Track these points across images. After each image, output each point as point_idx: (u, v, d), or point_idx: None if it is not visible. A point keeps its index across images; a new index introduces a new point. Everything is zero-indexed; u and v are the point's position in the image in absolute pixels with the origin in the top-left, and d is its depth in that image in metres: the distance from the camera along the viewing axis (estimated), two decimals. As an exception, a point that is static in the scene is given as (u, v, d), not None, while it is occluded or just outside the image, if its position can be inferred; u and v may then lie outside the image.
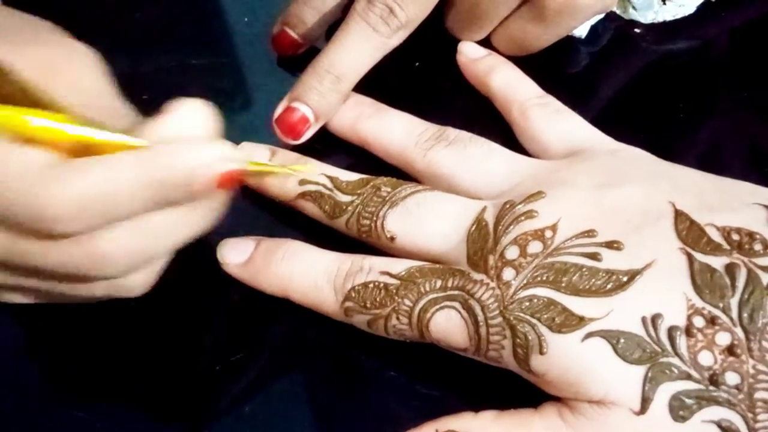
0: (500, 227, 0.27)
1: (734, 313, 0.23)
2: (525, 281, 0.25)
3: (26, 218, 0.22)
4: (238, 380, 0.29)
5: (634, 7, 0.37)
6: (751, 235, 0.24)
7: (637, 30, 0.38)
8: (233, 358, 0.29)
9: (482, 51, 0.35)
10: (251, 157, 0.31)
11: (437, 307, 0.26)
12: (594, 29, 0.37)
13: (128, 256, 0.24)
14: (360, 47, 0.32)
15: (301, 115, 0.32)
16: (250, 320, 0.30)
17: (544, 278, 0.25)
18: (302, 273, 0.29)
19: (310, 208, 0.31)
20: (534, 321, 0.24)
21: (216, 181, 0.24)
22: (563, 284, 0.25)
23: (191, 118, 0.24)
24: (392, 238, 0.28)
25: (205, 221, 0.26)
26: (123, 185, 0.22)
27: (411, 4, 0.31)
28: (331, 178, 0.30)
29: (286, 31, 0.35)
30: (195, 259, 0.31)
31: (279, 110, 0.33)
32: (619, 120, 0.31)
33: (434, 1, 0.32)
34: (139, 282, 0.25)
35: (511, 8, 0.34)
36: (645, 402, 0.23)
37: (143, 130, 0.24)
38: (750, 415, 0.22)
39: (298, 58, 0.36)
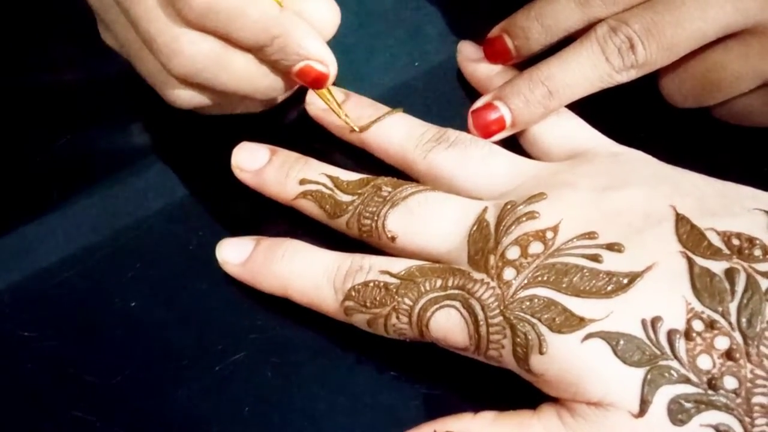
0: (501, 227, 0.27)
1: (733, 318, 0.23)
2: (525, 281, 0.25)
3: None
4: (238, 380, 0.29)
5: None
6: (751, 241, 0.25)
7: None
8: (233, 358, 0.29)
9: (481, 52, 0.35)
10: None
11: (437, 306, 0.26)
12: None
13: (191, 63, 0.28)
14: (584, 71, 0.30)
15: (499, 116, 0.31)
16: (250, 320, 0.30)
17: (545, 278, 0.25)
18: (302, 272, 0.29)
19: (310, 207, 0.31)
20: (534, 321, 0.25)
21: (302, 71, 0.29)
22: (564, 285, 0.25)
23: (325, 10, 0.30)
24: (393, 238, 0.28)
25: (262, 91, 0.30)
26: (247, 15, 0.28)
27: (655, 46, 0.29)
28: (331, 178, 0.30)
29: (503, 39, 0.33)
30: (195, 259, 0.31)
31: (479, 104, 0.32)
32: (619, 121, 0.31)
33: (679, 53, 0.30)
34: (183, 96, 0.30)
35: (748, 88, 0.30)
36: (644, 404, 0.23)
37: None
38: (747, 419, 0.22)
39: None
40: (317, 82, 0.30)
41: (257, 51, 0.29)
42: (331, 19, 0.31)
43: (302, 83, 0.30)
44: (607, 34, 0.30)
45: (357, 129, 0.32)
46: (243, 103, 0.32)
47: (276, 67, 0.30)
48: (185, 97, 0.30)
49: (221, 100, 0.31)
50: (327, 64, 0.30)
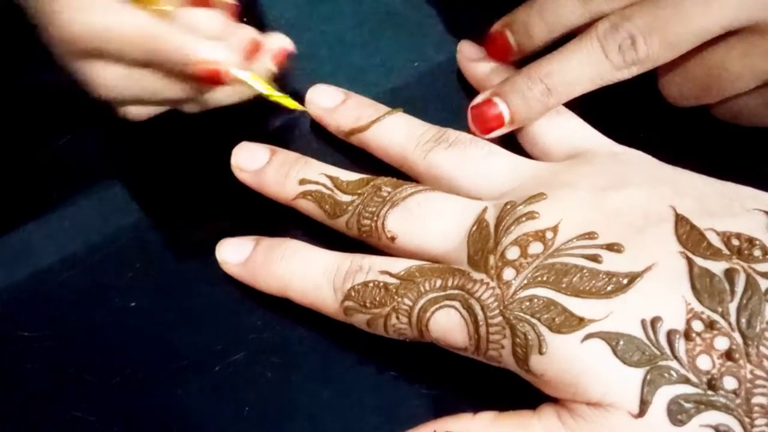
0: (501, 227, 0.27)
1: (733, 318, 0.23)
2: (525, 281, 0.25)
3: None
4: (238, 380, 0.29)
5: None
6: (751, 241, 0.25)
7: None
8: (233, 358, 0.29)
9: (482, 52, 0.35)
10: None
11: (437, 306, 0.26)
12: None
13: (107, 90, 0.30)
14: (584, 69, 0.30)
15: (498, 113, 0.31)
16: (250, 320, 0.30)
17: (545, 279, 0.25)
18: (302, 272, 0.29)
19: (310, 207, 0.31)
20: (534, 321, 0.25)
21: (195, 73, 0.29)
22: (563, 285, 0.25)
23: (199, 12, 0.31)
24: (393, 238, 0.28)
25: (190, 94, 0.31)
26: (131, 34, 0.28)
27: (657, 42, 0.29)
28: (331, 178, 0.30)
29: (505, 35, 0.33)
30: (195, 259, 0.31)
31: (478, 100, 0.32)
32: (619, 121, 0.31)
33: (681, 49, 0.29)
34: (131, 111, 0.31)
35: (748, 87, 0.30)
36: (643, 405, 0.23)
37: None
38: (747, 419, 0.22)
39: (316, 62, 0.36)
40: (215, 78, 0.29)
41: (148, 66, 0.29)
42: (206, 18, 0.30)
43: (208, 84, 0.30)
44: (608, 30, 0.30)
45: (300, 108, 0.33)
46: (211, 98, 0.32)
47: (178, 74, 0.30)
48: (134, 112, 0.31)
49: (175, 104, 0.32)
50: (215, 59, 0.29)
